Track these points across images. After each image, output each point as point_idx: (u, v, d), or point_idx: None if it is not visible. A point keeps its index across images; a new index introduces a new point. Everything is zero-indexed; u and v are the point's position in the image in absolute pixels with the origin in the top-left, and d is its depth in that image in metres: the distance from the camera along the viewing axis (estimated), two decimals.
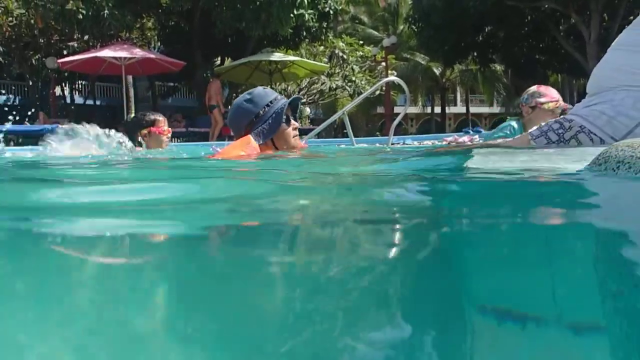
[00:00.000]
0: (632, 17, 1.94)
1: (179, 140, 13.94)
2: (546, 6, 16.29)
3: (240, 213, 0.76)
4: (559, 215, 0.73)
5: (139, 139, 3.54)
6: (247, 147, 2.22)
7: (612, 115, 1.64)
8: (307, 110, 22.69)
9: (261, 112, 2.47)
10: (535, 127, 1.92)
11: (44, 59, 14.94)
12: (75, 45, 15.74)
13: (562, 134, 1.74)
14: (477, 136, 7.05)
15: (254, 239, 0.60)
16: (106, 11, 11.92)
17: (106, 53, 12.03)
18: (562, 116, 1.83)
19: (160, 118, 3.62)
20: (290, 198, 0.92)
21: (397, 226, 0.65)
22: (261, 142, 2.41)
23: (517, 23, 17.67)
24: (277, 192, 0.98)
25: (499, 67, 26.53)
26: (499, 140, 2.72)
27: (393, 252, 0.53)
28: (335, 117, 3.97)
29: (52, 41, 15.62)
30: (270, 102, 2.48)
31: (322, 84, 19.44)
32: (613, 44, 1.79)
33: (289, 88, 21.20)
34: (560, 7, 15.67)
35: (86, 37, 14.20)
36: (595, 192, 0.89)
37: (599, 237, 0.59)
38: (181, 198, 0.85)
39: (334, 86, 18.56)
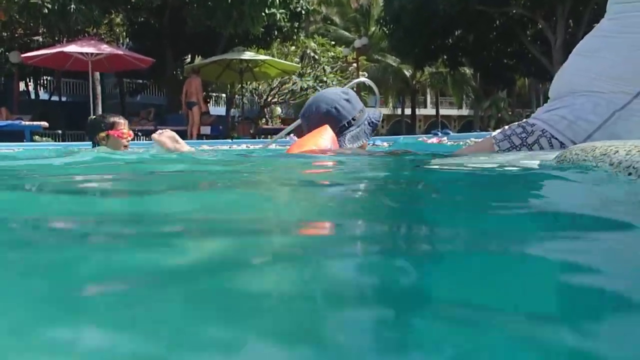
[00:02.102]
0: (595, 24, 2.01)
1: (148, 139, 13.73)
2: (514, 11, 16.63)
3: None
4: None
5: (97, 141, 3.42)
6: (327, 133, 2.16)
7: (572, 119, 1.67)
8: (278, 110, 22.64)
9: (357, 115, 2.39)
10: (498, 131, 1.95)
11: (7, 53, 14.51)
12: (41, 39, 15.36)
13: (525, 138, 1.77)
14: (445, 138, 7.15)
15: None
16: (73, 6, 11.66)
17: (72, 48, 11.77)
18: (524, 120, 1.86)
19: (121, 121, 3.47)
20: None
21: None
22: (357, 145, 2.36)
23: (486, 27, 17.98)
24: None
25: (468, 71, 26.95)
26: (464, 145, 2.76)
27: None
28: None
29: (16, 35, 15.20)
30: (361, 109, 2.44)
31: (293, 84, 19.41)
32: (574, 49, 1.83)
33: (260, 87, 21.11)
34: (528, 12, 16.03)
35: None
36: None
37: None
38: None
39: (305, 86, 18.54)
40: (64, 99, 20.00)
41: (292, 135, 5.60)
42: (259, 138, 12.83)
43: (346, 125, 2.33)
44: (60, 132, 16.40)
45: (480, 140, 2.30)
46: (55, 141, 13.45)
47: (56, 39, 14.59)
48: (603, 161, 0.82)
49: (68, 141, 14.82)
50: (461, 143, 5.51)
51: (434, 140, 6.64)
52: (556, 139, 1.70)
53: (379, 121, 2.48)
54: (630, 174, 0.77)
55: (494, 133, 2.09)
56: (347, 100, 2.36)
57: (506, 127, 1.99)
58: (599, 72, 1.68)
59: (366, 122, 2.41)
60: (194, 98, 12.04)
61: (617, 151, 0.85)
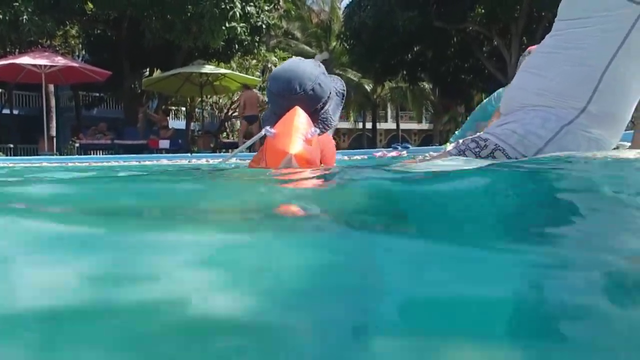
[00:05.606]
0: None
1: (104, 153, 13.37)
2: (470, 28, 17.06)
3: None
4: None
5: None
6: (302, 115, 1.85)
7: (523, 134, 1.69)
8: (239, 123, 22.51)
9: (331, 87, 2.11)
10: (452, 146, 1.95)
11: None
12: None
13: (479, 153, 1.78)
14: (405, 151, 7.23)
15: None
16: (25, 17, 11.32)
17: (24, 60, 11.40)
18: (477, 134, 1.87)
19: None
20: None
21: None
22: (338, 115, 2.13)
23: (444, 44, 18.36)
24: None
25: (427, 86, 27.45)
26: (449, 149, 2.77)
27: None
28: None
29: None
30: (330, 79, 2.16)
31: None
32: (522, 66, 1.87)
33: (221, 101, 20.95)
34: (484, 30, 16.47)
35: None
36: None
37: None
38: None
39: (267, 100, 18.52)
40: (16, 112, 19.34)
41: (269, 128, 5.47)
42: (219, 152, 12.68)
43: (326, 99, 2.11)
44: (12, 146, 15.85)
45: (435, 154, 2.31)
46: (7, 155, 12.96)
47: (7, 50, 14.14)
48: None
49: (20, 155, 14.31)
50: (420, 156, 5.55)
51: (394, 153, 6.70)
52: (508, 153, 1.71)
53: (344, 89, 2.27)
54: None
55: (448, 147, 2.10)
56: (324, 74, 2.12)
57: (460, 141, 2.00)
58: (543, 88, 1.71)
59: (334, 93, 2.21)
60: (255, 111, 11.51)
61: None
